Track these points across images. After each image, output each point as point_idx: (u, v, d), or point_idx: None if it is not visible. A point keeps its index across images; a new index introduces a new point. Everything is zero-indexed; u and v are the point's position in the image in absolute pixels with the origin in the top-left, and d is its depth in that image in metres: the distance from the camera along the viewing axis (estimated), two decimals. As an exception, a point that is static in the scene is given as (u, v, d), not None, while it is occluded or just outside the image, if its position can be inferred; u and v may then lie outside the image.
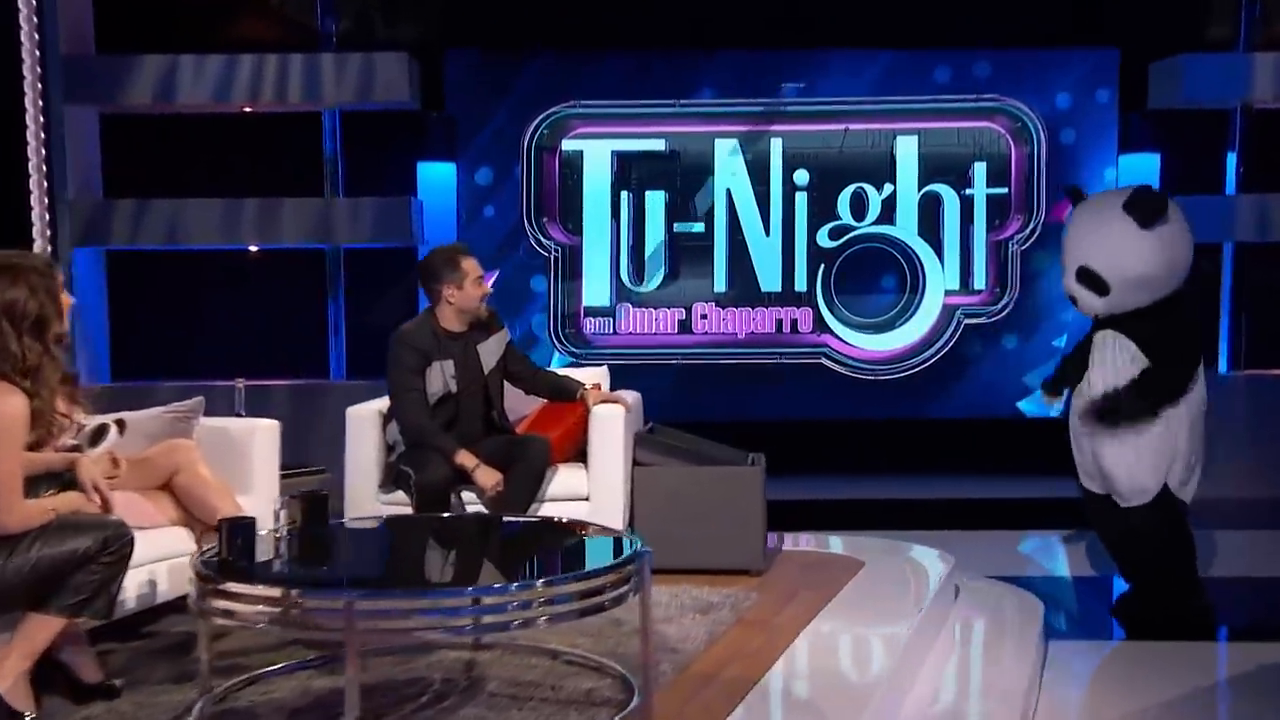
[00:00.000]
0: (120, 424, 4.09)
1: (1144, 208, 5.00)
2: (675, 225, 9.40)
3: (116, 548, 3.41)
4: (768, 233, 9.46)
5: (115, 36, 8.55)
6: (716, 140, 9.39)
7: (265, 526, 3.65)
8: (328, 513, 3.81)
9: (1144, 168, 9.32)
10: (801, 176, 9.45)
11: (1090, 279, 5.11)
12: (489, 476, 4.73)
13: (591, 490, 5.01)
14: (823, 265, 9.45)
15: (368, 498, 5.02)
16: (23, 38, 7.98)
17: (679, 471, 5.13)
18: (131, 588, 3.78)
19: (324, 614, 3.13)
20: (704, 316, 9.44)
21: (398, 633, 3.35)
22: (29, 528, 3.34)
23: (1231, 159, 9.01)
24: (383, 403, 5.04)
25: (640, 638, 3.53)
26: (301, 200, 8.46)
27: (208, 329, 9.02)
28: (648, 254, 9.40)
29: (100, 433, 4.00)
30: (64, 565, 3.33)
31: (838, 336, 9.49)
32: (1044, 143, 9.41)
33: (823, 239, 9.46)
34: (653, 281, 9.40)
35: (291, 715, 3.56)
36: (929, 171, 9.43)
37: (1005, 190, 9.45)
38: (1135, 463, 5.12)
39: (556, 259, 9.34)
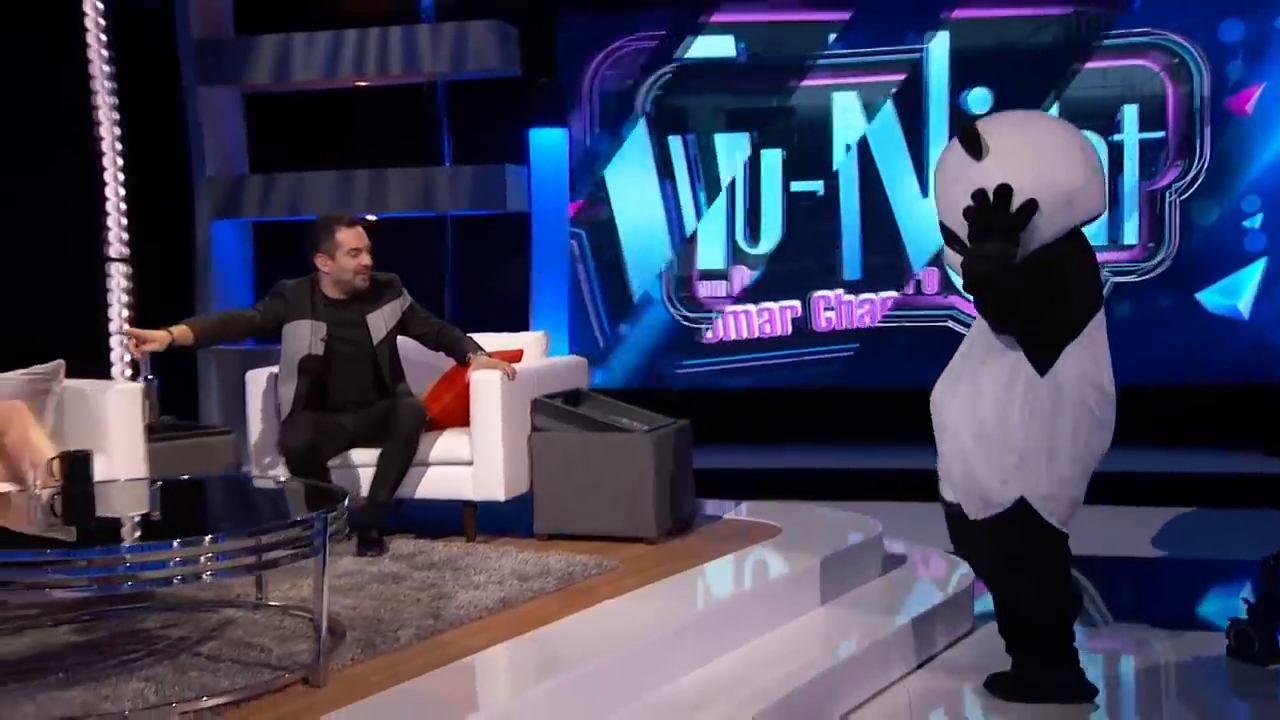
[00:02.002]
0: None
1: (971, 135, 3.75)
2: (792, 184, 8.91)
3: None
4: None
5: (250, 19, 8.92)
6: (836, 94, 8.83)
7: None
8: (90, 472, 3.68)
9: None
10: (924, 127, 8.76)
11: (946, 233, 3.90)
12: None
13: (474, 454, 4.80)
14: (950, 221, 8.72)
15: (269, 461, 4.96)
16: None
17: (573, 438, 4.82)
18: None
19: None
20: (827, 284, 8.94)
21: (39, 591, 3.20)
22: None
23: None
24: (275, 366, 5.00)
25: (314, 598, 3.32)
26: (406, 170, 8.56)
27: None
28: (764, 215, 8.96)
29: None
30: None
31: (966, 297, 8.71)
32: (1207, 81, 8.28)
33: (949, 193, 8.73)
34: (769, 243, 8.96)
35: None
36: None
37: (1161, 134, 8.40)
38: (974, 447, 3.77)
39: (672, 221, 9.05)
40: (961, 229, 3.77)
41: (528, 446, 4.87)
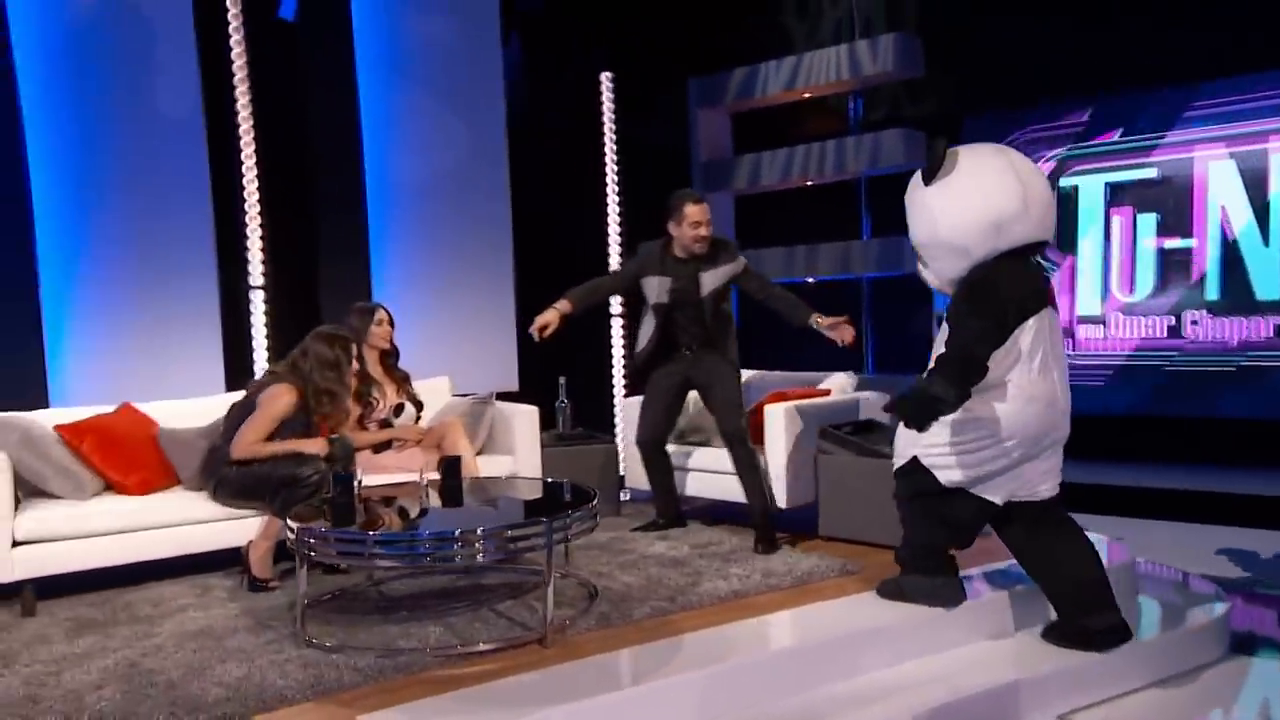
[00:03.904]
0: (418, 404, 4.49)
1: (926, 161, 3.17)
2: (1165, 242, 7.22)
3: (307, 477, 3.65)
4: (1266, 243, 6.86)
5: (738, 144, 8.85)
6: (1210, 163, 7.04)
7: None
8: (459, 471, 3.60)
9: None
10: (1303, 187, 6.73)
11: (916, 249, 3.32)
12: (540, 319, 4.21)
13: (769, 467, 4.29)
14: (1330, 272, 6.62)
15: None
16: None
17: (846, 460, 4.16)
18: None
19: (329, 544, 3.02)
20: (1195, 323, 7.12)
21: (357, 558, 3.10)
22: (249, 458, 3.70)
23: None
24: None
25: (545, 576, 3.06)
26: (833, 244, 8.05)
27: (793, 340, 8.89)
28: (1138, 267, 7.35)
29: (399, 410, 4.42)
30: (270, 481, 3.66)
31: None
32: None
33: (1327, 246, 6.64)
34: (1142, 291, 7.33)
35: (375, 605, 3.50)
36: None
37: None
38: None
39: (1054, 277, 7.71)
40: (922, 246, 3.24)
41: (814, 464, 4.29)
